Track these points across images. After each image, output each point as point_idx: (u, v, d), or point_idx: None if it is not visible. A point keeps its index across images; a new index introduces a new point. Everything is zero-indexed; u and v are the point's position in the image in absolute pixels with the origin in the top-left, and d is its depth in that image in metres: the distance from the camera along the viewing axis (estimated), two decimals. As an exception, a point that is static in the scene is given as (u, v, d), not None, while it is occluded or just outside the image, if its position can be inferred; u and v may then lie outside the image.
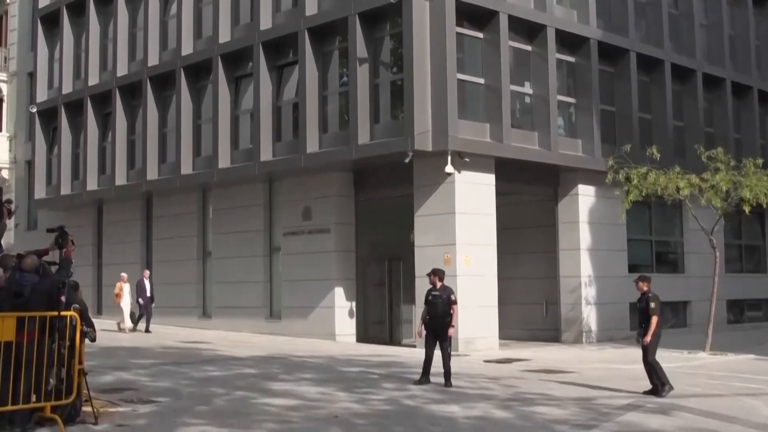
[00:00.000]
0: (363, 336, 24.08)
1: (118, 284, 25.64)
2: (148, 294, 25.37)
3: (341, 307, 23.71)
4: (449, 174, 20.71)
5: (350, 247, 24.27)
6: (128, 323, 25.38)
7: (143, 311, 25.09)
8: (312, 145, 23.17)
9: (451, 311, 14.13)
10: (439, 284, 14.21)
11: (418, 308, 19.31)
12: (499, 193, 22.24)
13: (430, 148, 20.40)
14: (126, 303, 25.67)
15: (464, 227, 20.89)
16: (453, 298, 14.15)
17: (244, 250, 26.52)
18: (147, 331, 25.04)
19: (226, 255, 27.08)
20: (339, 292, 23.78)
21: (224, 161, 26.05)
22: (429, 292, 14.27)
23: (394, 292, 24.97)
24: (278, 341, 22.79)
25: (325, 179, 24.05)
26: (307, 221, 24.66)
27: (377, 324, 24.76)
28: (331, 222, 23.98)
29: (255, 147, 24.98)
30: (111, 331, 25.03)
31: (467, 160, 20.72)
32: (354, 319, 24.01)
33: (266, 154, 24.59)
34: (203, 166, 26.87)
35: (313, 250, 24.48)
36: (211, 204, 28.35)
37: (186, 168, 27.41)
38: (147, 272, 25.74)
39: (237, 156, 26.02)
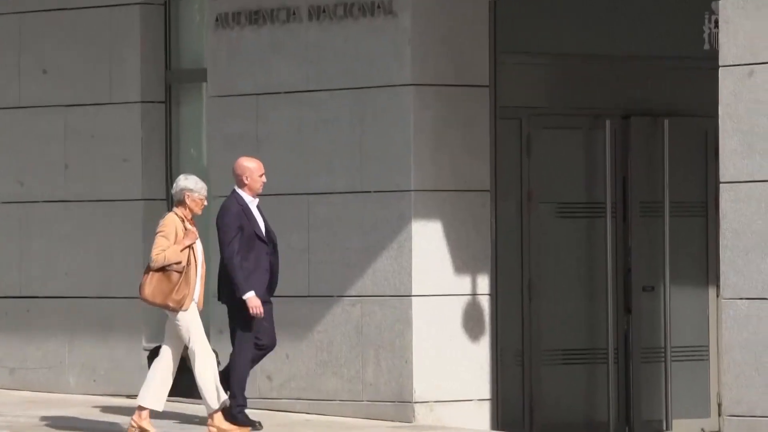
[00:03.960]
0: (514, 407, 11.97)
1: (167, 222, 9.60)
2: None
3: (435, 296, 11.33)
4: None
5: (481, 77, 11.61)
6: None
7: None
8: None
9: None
10: None
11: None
12: None
13: None
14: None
15: None
16: None
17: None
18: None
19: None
20: (428, 239, 11.43)
21: None
22: None
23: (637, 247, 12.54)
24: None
25: None
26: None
27: (563, 363, 12.33)
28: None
29: None
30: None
31: None
32: (486, 345, 11.61)
33: None
34: None
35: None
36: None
37: None
38: (255, 168, 10.38)
39: None
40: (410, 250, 10.59)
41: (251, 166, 10.42)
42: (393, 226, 10.93)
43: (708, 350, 11.77)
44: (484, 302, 10.88)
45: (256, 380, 11.27)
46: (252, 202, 10.50)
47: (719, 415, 11.26)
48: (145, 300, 10.36)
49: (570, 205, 11.41)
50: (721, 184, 9.38)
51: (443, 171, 10.85)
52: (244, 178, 10.31)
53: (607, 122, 11.67)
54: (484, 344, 11.09)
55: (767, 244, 9.06)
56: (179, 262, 9.74)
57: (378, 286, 11.04)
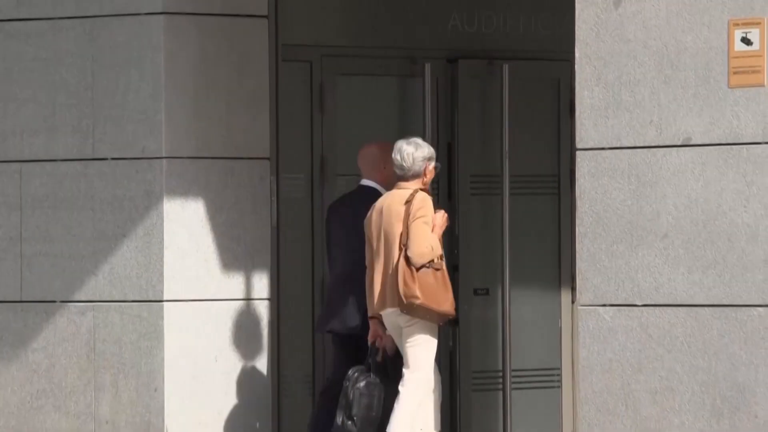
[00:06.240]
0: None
1: (426, 204, 10.22)
2: None
3: (196, 302, 10.90)
4: None
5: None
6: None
7: None
8: None
9: None
10: None
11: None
12: None
13: None
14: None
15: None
16: None
17: None
18: None
19: None
20: (187, 224, 10.80)
21: None
22: None
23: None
24: None
25: None
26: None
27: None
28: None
29: None
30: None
31: None
32: (264, 368, 11.42)
33: None
34: None
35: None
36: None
37: None
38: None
39: None
40: (161, 239, 9.62)
41: (389, 149, 9.26)
42: (137, 205, 9.83)
43: (560, 375, 10.96)
44: (263, 310, 9.98)
45: (-55, 419, 10.17)
46: None
47: (575, 462, 10.15)
48: (419, 306, 9.04)
49: (376, 178, 10.41)
50: (577, 152, 8.40)
51: (207, 131, 9.82)
52: (382, 166, 9.17)
53: (427, 67, 10.78)
54: (262, 366, 10.20)
55: (639, 233, 7.96)
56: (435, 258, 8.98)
57: (117, 287, 9.98)
